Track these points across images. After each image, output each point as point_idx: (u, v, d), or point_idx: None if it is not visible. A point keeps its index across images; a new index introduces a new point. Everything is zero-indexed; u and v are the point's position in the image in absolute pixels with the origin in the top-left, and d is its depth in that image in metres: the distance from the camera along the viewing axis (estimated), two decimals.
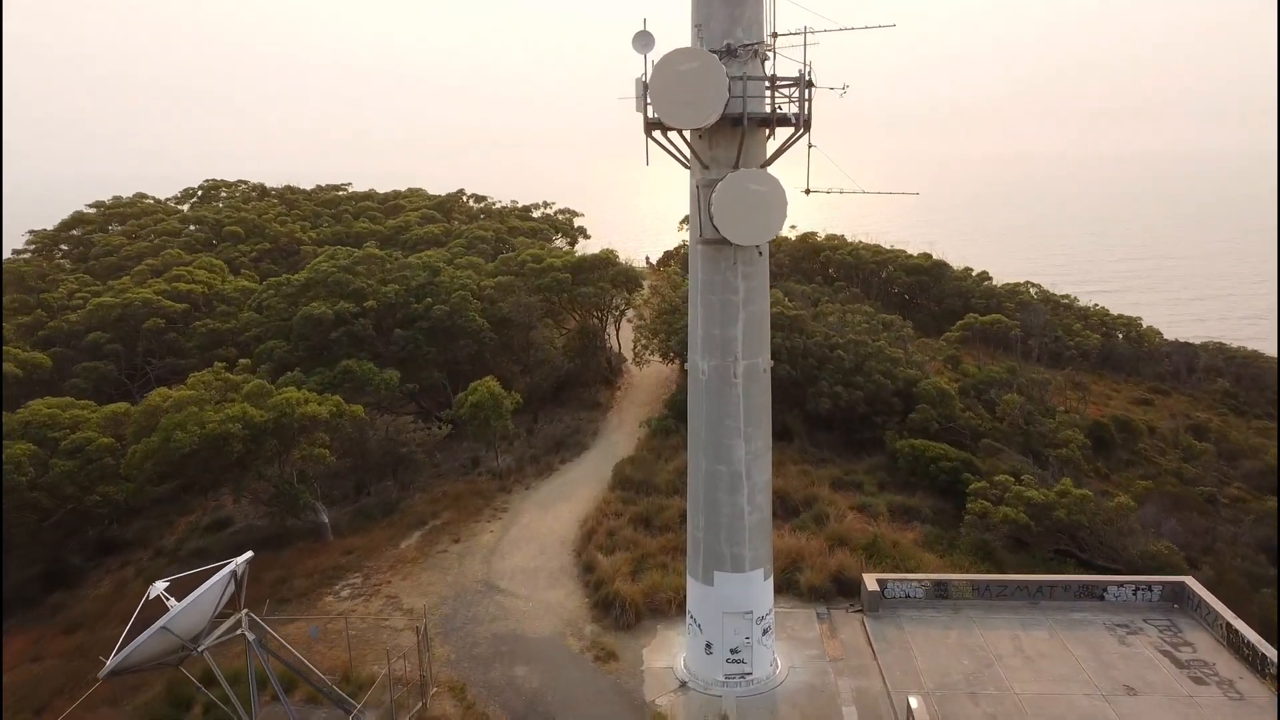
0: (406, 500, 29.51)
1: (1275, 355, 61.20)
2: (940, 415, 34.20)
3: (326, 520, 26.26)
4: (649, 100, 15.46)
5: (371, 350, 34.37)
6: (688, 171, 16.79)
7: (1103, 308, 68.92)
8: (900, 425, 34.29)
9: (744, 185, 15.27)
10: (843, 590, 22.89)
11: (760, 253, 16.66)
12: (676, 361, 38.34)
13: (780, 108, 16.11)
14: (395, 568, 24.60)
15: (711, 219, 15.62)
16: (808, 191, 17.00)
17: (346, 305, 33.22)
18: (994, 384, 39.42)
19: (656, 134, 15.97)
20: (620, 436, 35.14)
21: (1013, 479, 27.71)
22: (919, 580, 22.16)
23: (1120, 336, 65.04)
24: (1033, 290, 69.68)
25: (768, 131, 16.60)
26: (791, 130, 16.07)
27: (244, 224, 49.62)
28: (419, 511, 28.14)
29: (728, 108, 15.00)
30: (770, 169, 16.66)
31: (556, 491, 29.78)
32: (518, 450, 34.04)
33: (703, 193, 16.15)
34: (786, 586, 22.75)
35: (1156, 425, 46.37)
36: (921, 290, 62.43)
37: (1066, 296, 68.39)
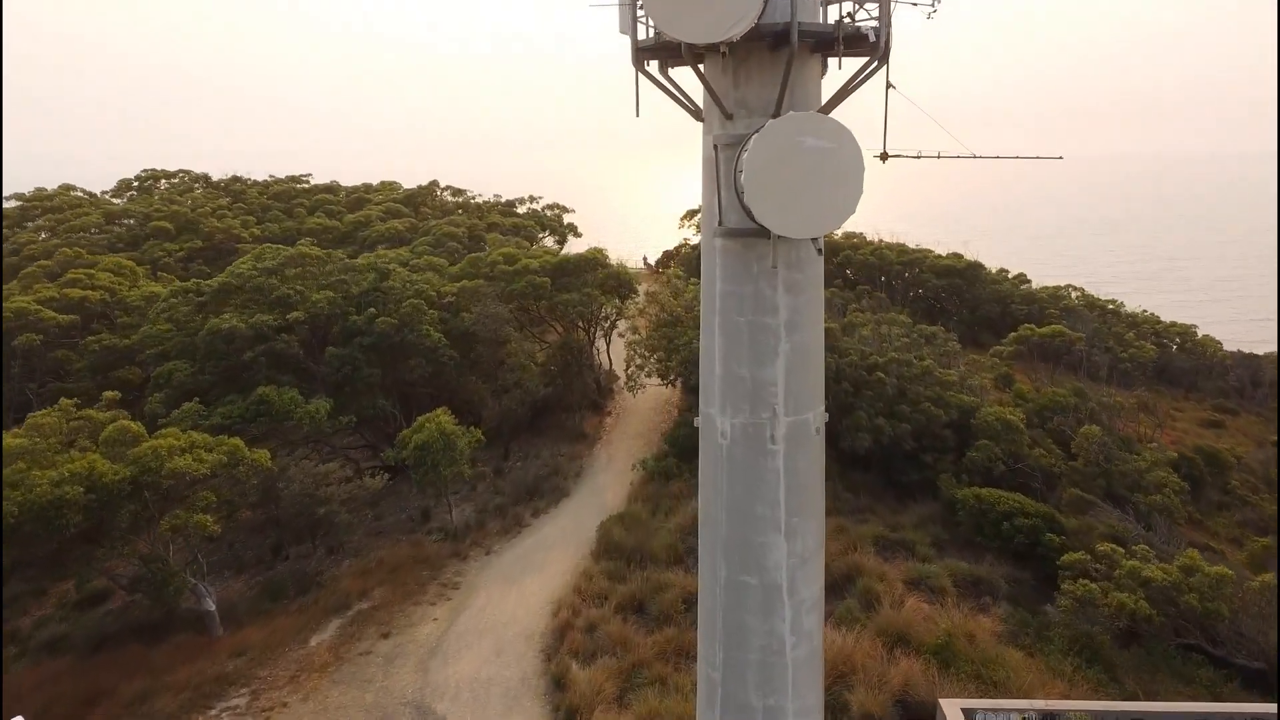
0: (330, 571, 23.41)
1: None
2: (1005, 453, 28.16)
3: (213, 607, 20.14)
4: (640, 5, 9.41)
5: (300, 373, 28.29)
6: (697, 136, 10.67)
7: (1153, 314, 63.16)
8: (956, 465, 28.27)
9: (795, 139, 8.92)
10: (910, 716, 16.89)
11: (818, 250, 10.51)
12: (679, 384, 32.28)
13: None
14: (298, 679, 18.48)
15: (740, 195, 9.42)
16: (885, 156, 10.83)
17: (266, 318, 27.11)
18: (1059, 410, 33.38)
19: (652, 65, 9.83)
20: (608, 479, 29.04)
21: (1118, 548, 21.63)
22: (1021, 711, 16.09)
23: (1174, 347, 59.20)
24: (1074, 294, 63.82)
25: (824, 62, 10.46)
26: (864, 61, 9.89)
27: (175, 218, 43.61)
28: (343, 589, 22.02)
29: (764, 15, 8.89)
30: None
31: (525, 558, 23.67)
32: (481, 498, 27.94)
33: (723, 156, 9.87)
34: (833, 712, 16.70)
35: (1241, 455, 40.44)
36: (954, 295, 56.43)
37: (1113, 301, 62.57)
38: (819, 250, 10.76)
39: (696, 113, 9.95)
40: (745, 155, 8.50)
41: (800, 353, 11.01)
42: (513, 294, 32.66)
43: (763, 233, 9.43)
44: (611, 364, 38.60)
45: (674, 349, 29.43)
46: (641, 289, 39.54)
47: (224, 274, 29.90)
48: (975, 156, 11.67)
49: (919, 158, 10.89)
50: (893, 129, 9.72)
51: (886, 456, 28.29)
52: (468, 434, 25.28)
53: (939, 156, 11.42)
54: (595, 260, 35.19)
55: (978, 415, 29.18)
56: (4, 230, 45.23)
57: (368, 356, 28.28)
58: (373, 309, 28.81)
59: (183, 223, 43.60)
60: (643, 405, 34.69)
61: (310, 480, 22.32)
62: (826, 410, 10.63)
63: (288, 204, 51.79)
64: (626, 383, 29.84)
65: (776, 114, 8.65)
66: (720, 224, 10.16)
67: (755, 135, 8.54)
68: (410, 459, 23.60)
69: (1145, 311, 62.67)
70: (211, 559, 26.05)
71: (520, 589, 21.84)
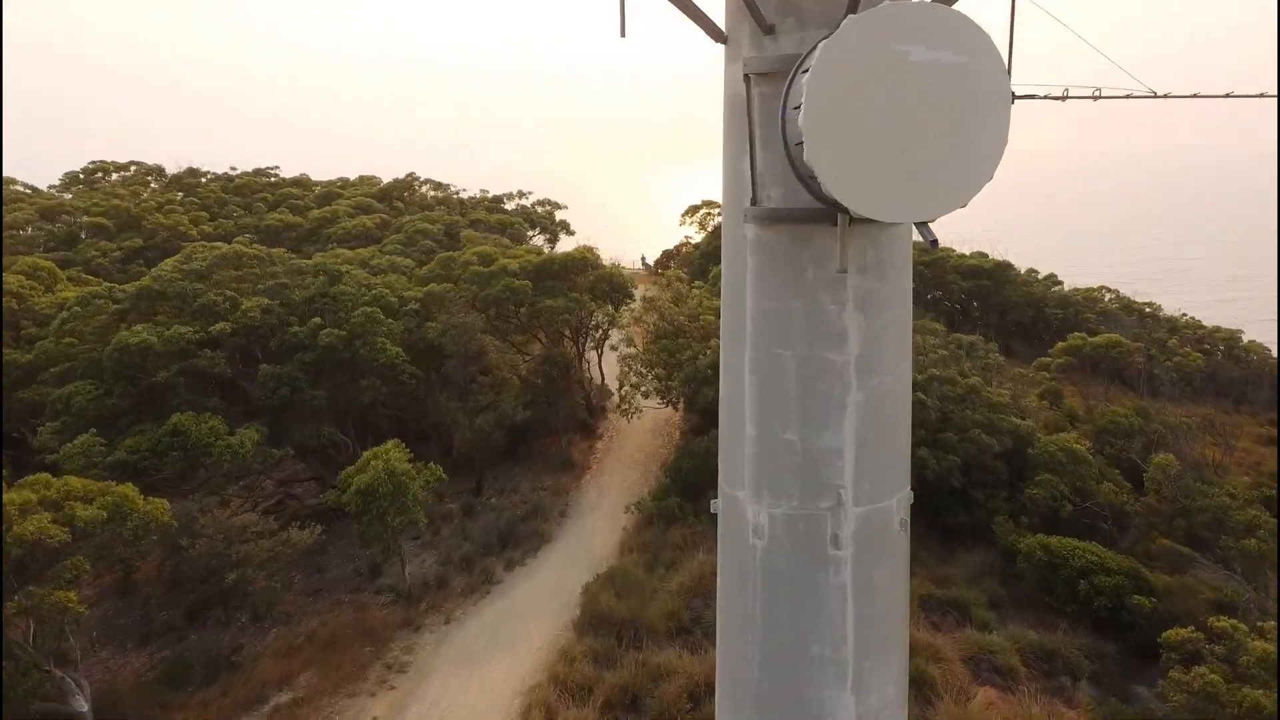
0: (251, 645, 19.18)
1: None
2: (1070, 489, 23.96)
3: (85, 707, 15.88)
4: None
5: (230, 396, 24.08)
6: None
7: (1194, 318, 59.06)
8: (1011, 504, 24.07)
9: (894, 48, 4.52)
10: None
11: (930, 242, 6.27)
12: (682, 406, 28.07)
13: None
14: None
15: (794, 152, 5.22)
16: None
17: (185, 330, 22.87)
18: (1122, 434, 29.20)
19: None
20: (598, 520, 24.84)
21: (1239, 625, 17.41)
22: None
23: (1219, 354, 55.02)
24: (1108, 296, 59.64)
25: None
26: None
27: (116, 214, 39.40)
28: (260, 674, 17.80)
29: None
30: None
31: (492, 629, 19.45)
32: (445, 544, 23.71)
33: (761, 93, 5.62)
34: None
35: None
36: (981, 298, 52.25)
37: (1150, 304, 58.51)
38: (932, 242, 6.05)
39: (715, 31, 5.58)
40: (805, 83, 4.07)
41: (880, 406, 6.37)
42: (488, 299, 28.44)
43: (826, 215, 5.08)
44: (604, 379, 34.41)
45: (676, 365, 25.24)
46: (639, 292, 35.35)
47: (146, 277, 25.66)
48: (1168, 96, 7.20)
49: (1097, 98, 6.36)
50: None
51: (930, 494, 24.07)
52: (425, 472, 21.08)
53: (1128, 97, 6.81)
54: (585, 260, 30.99)
55: (1036, 443, 25.01)
56: None
57: (311, 375, 24.05)
58: (318, 319, 24.57)
59: (124, 219, 39.41)
60: (640, 427, 30.45)
61: (221, 536, 18.05)
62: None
63: (248, 199, 47.63)
64: (619, 406, 25.62)
65: (852, 9, 4.34)
66: (754, 202, 5.77)
67: (823, 45, 4.00)
68: (352, 506, 19.36)
69: (1185, 316, 58.63)
70: (116, 622, 21.86)
71: (484, 675, 17.60)
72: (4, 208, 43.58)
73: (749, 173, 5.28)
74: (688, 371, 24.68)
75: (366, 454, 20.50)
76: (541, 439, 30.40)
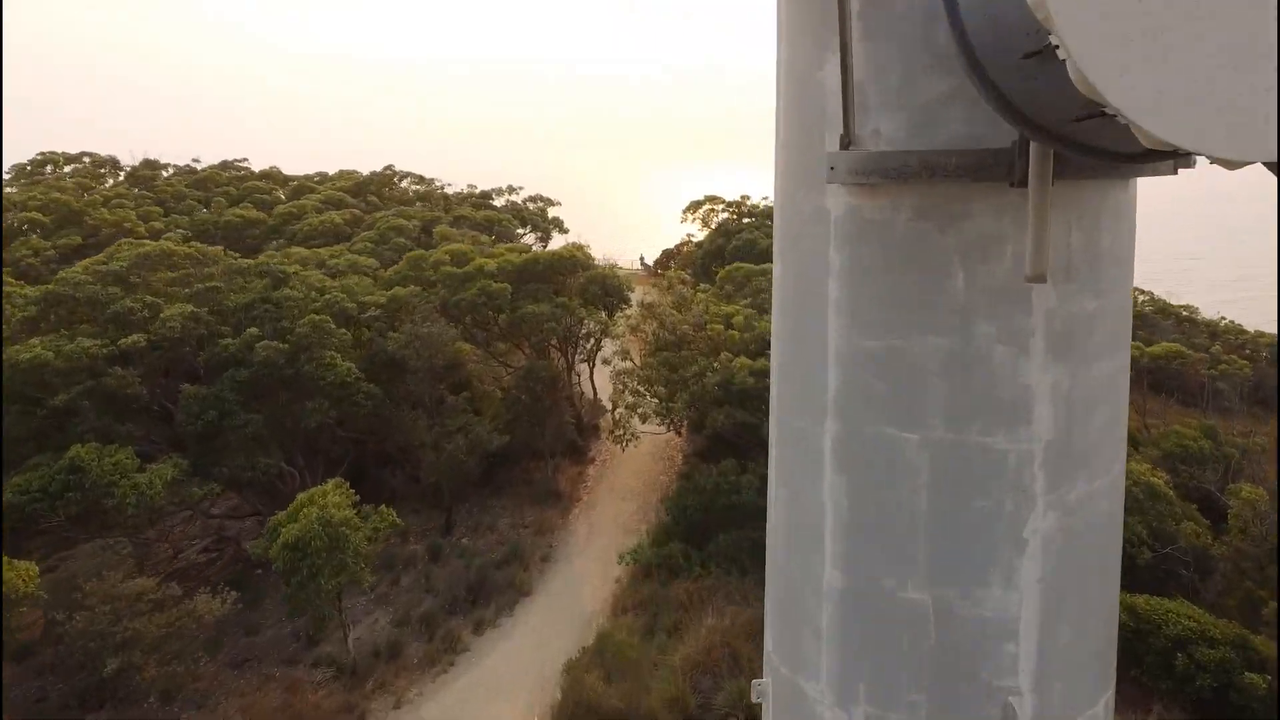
0: None
1: None
2: (1149, 532, 20.42)
3: None
4: None
5: (147, 421, 20.53)
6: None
7: (1234, 322, 55.61)
8: None
9: None
10: None
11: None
12: (684, 429, 24.50)
13: None
14: None
15: (963, 25, 1.84)
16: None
17: (89, 344, 19.30)
18: (1194, 460, 25.65)
19: None
20: (587, 567, 21.28)
21: None
22: None
23: (1263, 360, 51.50)
24: (1140, 298, 56.12)
25: None
26: None
27: (54, 209, 35.87)
28: None
29: None
30: None
31: (452, 718, 15.85)
32: (403, 599, 20.15)
33: None
34: None
35: None
36: None
37: (1188, 307, 55.04)
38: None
39: None
40: None
41: (1082, 537, 2.29)
42: (461, 305, 24.87)
43: (1002, 160, 2.21)
44: (596, 393, 30.84)
45: (679, 382, 21.68)
46: (636, 296, 31.78)
47: (53, 281, 22.09)
48: None
49: None
50: None
51: None
52: (375, 517, 17.51)
53: None
54: (574, 260, 27.42)
55: None
56: None
57: (245, 396, 20.47)
58: (254, 329, 20.99)
59: (64, 215, 35.89)
60: (638, 449, 26.76)
61: (108, 609, 14.44)
62: None
63: (210, 193, 44.08)
64: (613, 432, 22.01)
65: None
66: (847, 144, 2.03)
67: None
68: (279, 563, 15.77)
69: (1225, 320, 55.17)
70: (10, 693, 18.24)
71: None
72: None
73: (836, 89, 2.53)
74: (692, 390, 21.13)
75: (301, 496, 16.93)
76: (524, 464, 26.83)
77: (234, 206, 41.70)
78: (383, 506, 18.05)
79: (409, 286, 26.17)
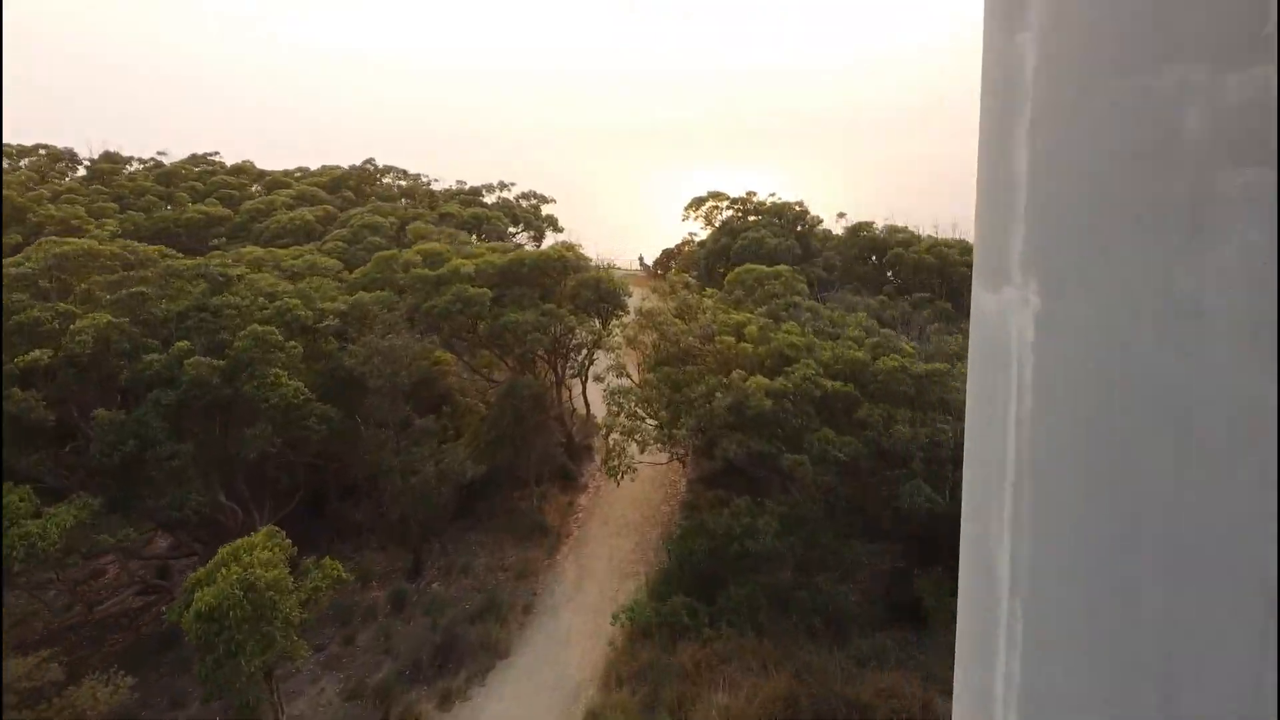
0: None
1: None
2: None
3: None
4: None
5: (55, 451, 17.56)
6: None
7: None
8: None
9: None
10: None
11: None
12: (687, 457, 21.53)
13: None
14: None
15: None
16: None
17: None
18: None
19: None
20: (575, 623, 18.31)
21: None
22: None
23: None
24: None
25: None
26: None
27: None
28: None
29: None
30: None
31: None
32: (358, 661, 17.19)
33: None
34: None
35: None
36: None
37: None
38: None
39: None
40: None
41: None
42: (434, 313, 21.94)
43: None
44: (589, 409, 27.91)
45: (684, 404, 18.74)
46: (635, 301, 28.78)
47: None
48: None
49: None
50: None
51: None
52: (315, 574, 14.58)
53: None
54: (563, 261, 24.47)
55: None
56: None
57: (173, 422, 17.52)
58: (185, 342, 18.04)
59: (10, 211, 32.97)
60: (635, 480, 23.90)
61: None
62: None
63: (173, 189, 41.13)
64: (606, 462, 19.01)
65: None
66: None
67: None
68: (191, 635, 12.83)
69: None
70: None
71: None
72: None
73: None
74: (699, 414, 18.20)
75: (224, 550, 13.98)
76: (506, 493, 23.92)
77: (198, 203, 38.74)
78: (326, 559, 15.08)
79: (377, 291, 23.25)
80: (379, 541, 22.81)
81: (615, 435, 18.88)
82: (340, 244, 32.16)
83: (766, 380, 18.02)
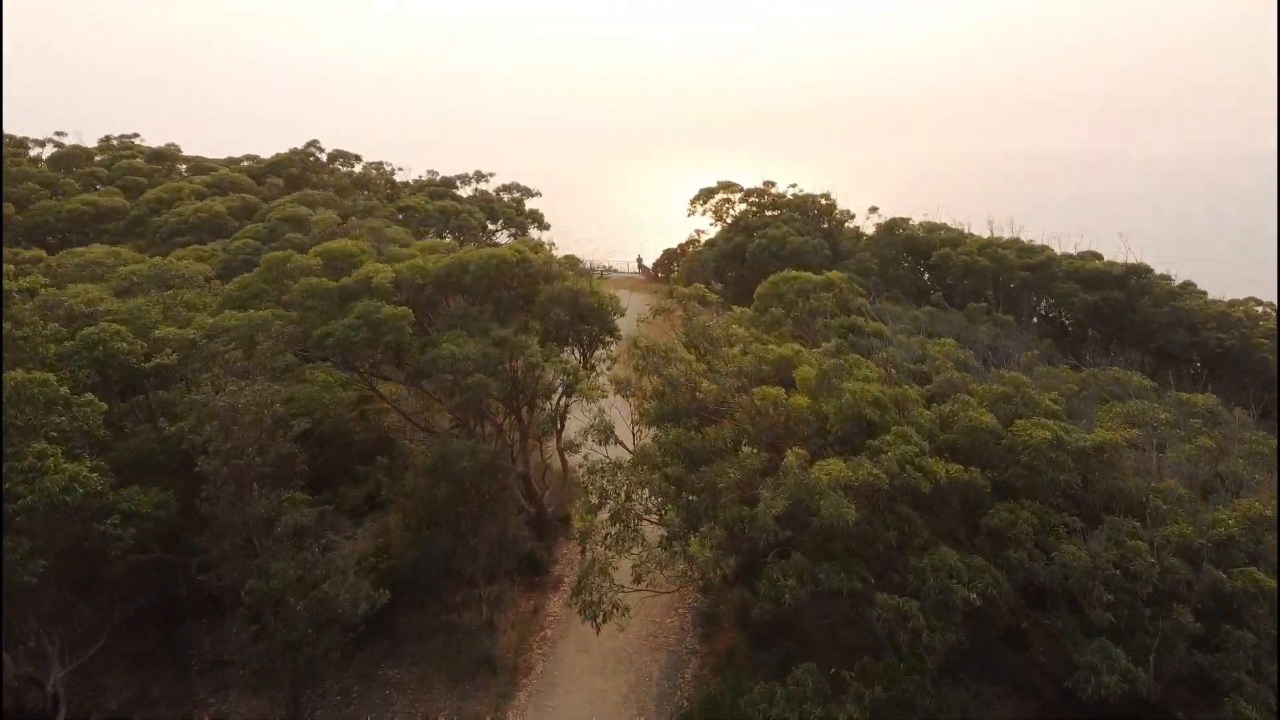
0: None
1: None
2: None
3: None
4: None
5: None
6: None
7: None
8: None
9: None
10: None
11: None
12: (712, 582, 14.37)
13: None
14: None
15: None
16: None
17: None
18: None
19: None
20: None
21: None
22: None
23: None
24: (1259, 308, 46.49)
25: None
26: None
27: None
28: None
29: None
30: None
31: None
32: None
33: None
34: None
35: None
36: (1112, 316, 38.85)
37: None
38: None
39: None
40: None
41: None
42: (328, 345, 14.98)
43: None
44: (566, 466, 20.89)
45: (706, 495, 11.77)
46: (630, 317, 21.69)
47: None
48: None
49: None
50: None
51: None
52: None
53: None
54: (525, 266, 17.45)
55: None
56: None
57: None
58: None
59: None
60: (624, 568, 16.91)
61: None
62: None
63: (62, 175, 34.29)
64: (578, 593, 11.91)
65: None
66: None
67: None
68: None
69: None
70: None
71: None
72: None
73: None
74: (727, 518, 11.24)
75: None
76: (443, 597, 16.97)
77: (86, 191, 31.79)
78: None
79: (257, 310, 16.29)
80: (250, 674, 15.85)
81: (598, 548, 11.92)
82: (252, 241, 25.25)
83: (841, 464, 11.08)
